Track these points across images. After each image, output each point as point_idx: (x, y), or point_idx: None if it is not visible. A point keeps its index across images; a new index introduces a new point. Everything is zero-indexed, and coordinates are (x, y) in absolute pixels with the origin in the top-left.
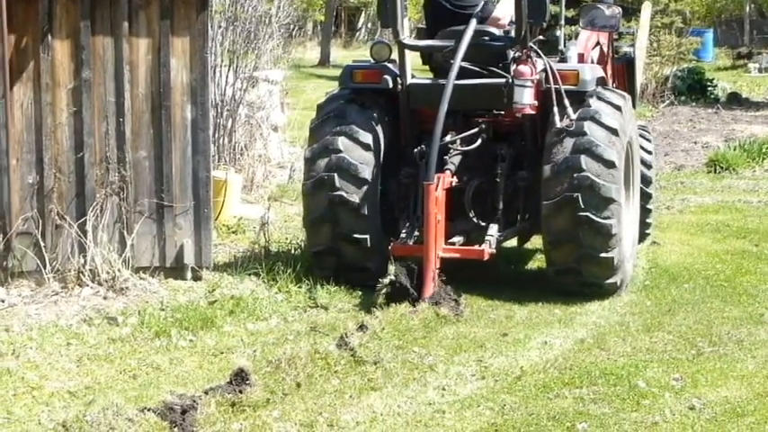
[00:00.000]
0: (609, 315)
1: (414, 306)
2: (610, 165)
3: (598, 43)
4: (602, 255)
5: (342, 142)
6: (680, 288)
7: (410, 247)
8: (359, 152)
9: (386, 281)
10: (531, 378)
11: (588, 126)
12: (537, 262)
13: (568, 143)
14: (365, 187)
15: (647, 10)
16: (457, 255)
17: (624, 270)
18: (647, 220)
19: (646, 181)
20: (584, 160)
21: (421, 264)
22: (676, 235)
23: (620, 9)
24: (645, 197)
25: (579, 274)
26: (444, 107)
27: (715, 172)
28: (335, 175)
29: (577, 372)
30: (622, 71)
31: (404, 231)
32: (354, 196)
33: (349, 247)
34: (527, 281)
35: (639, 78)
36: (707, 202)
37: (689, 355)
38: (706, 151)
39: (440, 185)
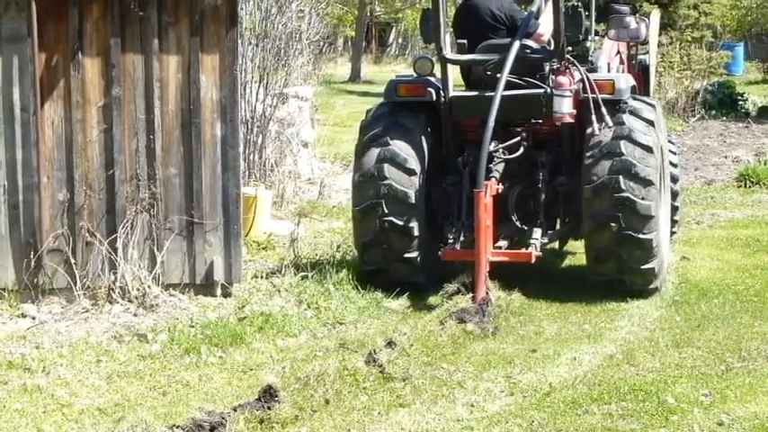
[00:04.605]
0: (638, 331)
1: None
2: (647, 183)
3: (618, 52)
4: (645, 266)
5: (388, 170)
6: (709, 303)
7: (460, 252)
8: (404, 178)
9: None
10: (560, 394)
11: (624, 146)
12: (568, 276)
13: (606, 163)
14: (412, 210)
15: (655, 17)
16: (506, 258)
17: (663, 274)
18: (673, 229)
19: (673, 194)
20: (623, 181)
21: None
22: (706, 250)
23: (647, 21)
24: (672, 210)
25: (623, 283)
26: (493, 118)
27: (745, 186)
28: (383, 201)
29: (606, 388)
30: (638, 78)
31: (451, 237)
32: (402, 219)
33: (400, 266)
34: (557, 295)
35: (653, 83)
36: (737, 217)
37: (718, 371)
38: (736, 166)
39: (488, 192)
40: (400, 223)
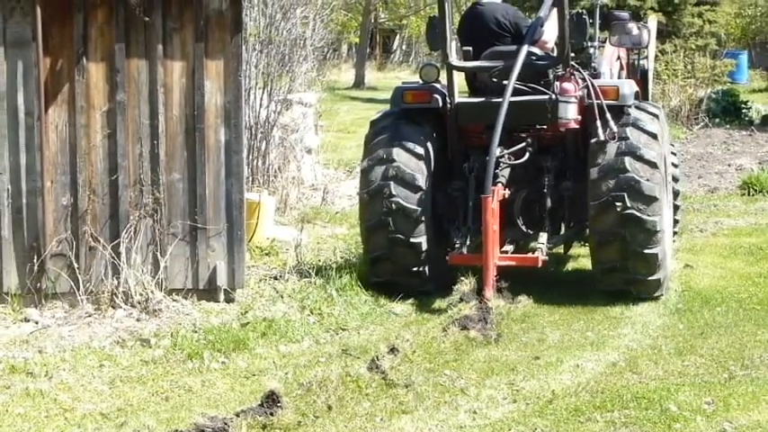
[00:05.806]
0: (641, 338)
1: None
2: (652, 165)
3: (618, 57)
4: (647, 251)
5: (396, 153)
6: (712, 311)
7: (467, 256)
8: (413, 162)
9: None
10: (563, 401)
11: (630, 131)
12: (571, 283)
13: (612, 147)
14: (419, 194)
15: (653, 23)
16: (513, 263)
17: (666, 267)
18: (674, 229)
19: (674, 193)
20: (629, 162)
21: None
22: (709, 258)
23: (649, 28)
24: (673, 209)
25: (626, 272)
26: (500, 124)
27: (749, 194)
28: (391, 183)
29: (609, 395)
30: (638, 83)
31: (457, 241)
32: (409, 203)
33: (405, 252)
34: (560, 302)
35: (651, 88)
36: (740, 225)
37: (721, 379)
38: (740, 174)
39: (495, 197)
40: (407, 205)
